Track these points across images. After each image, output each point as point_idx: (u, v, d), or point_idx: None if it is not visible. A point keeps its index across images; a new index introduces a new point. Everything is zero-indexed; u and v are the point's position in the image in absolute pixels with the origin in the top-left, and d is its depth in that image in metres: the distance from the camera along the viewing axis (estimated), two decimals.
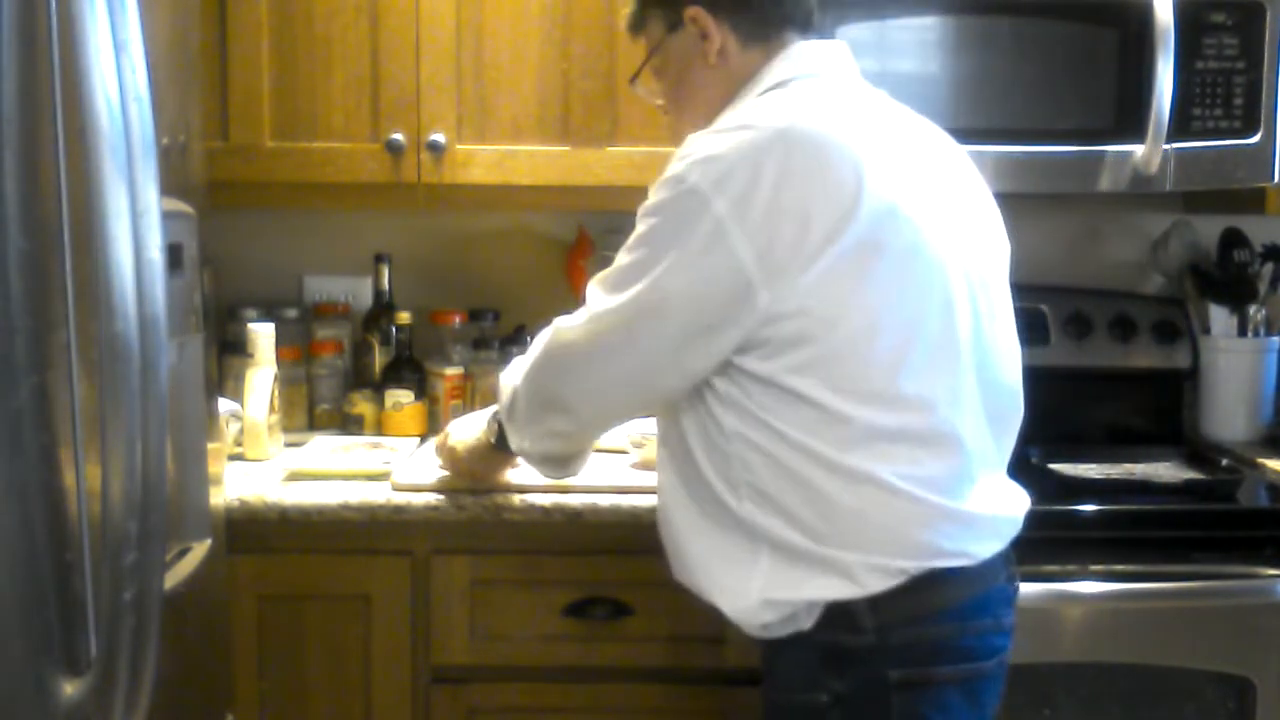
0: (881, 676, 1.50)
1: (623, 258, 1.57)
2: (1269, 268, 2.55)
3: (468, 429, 1.98)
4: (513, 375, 1.77)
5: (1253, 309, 2.55)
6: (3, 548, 1.10)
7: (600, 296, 1.59)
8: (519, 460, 1.91)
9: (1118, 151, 2.22)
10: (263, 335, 2.31)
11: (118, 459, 1.15)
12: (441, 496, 2.01)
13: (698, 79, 1.70)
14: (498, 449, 1.88)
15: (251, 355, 2.30)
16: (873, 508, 1.50)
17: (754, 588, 1.54)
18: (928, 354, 1.52)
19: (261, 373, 2.29)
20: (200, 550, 1.60)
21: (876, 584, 1.49)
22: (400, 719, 2.05)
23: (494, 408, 1.89)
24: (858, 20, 2.09)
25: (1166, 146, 2.20)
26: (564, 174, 2.31)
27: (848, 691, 1.51)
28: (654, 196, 1.55)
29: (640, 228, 1.56)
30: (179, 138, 1.52)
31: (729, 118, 1.58)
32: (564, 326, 1.65)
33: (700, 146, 1.52)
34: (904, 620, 1.50)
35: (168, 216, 1.24)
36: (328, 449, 2.28)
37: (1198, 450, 2.49)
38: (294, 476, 2.13)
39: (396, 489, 2.05)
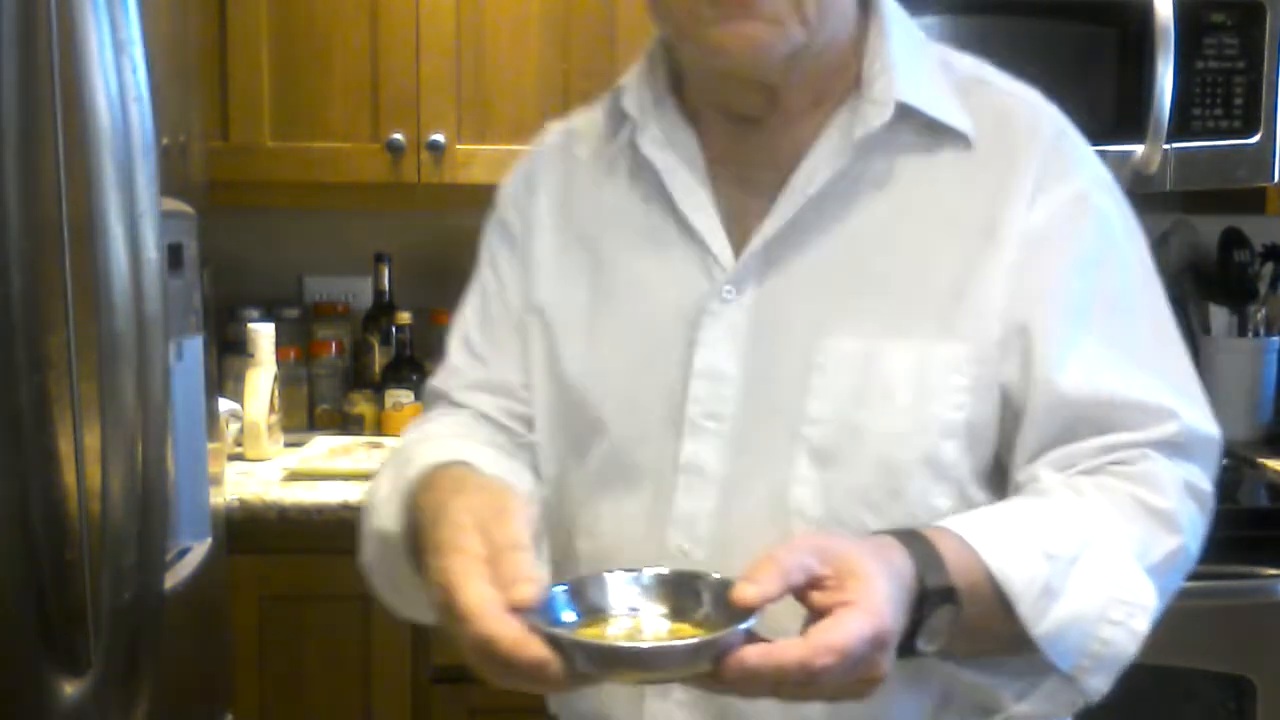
0: None
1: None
2: (1269, 268, 2.55)
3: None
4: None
5: (1253, 309, 2.55)
6: (3, 548, 1.10)
7: None
8: None
9: (1118, 151, 2.22)
10: (263, 335, 2.31)
11: (118, 459, 1.15)
12: None
13: None
14: None
15: (251, 355, 2.30)
16: None
17: None
18: None
19: (261, 373, 2.29)
20: (200, 550, 1.60)
21: None
22: (400, 719, 2.05)
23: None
24: None
25: (1166, 146, 2.20)
26: None
27: None
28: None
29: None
30: (179, 138, 1.52)
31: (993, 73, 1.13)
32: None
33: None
34: None
35: (168, 216, 1.25)
36: (328, 449, 2.28)
37: None
38: (294, 476, 2.13)
39: None
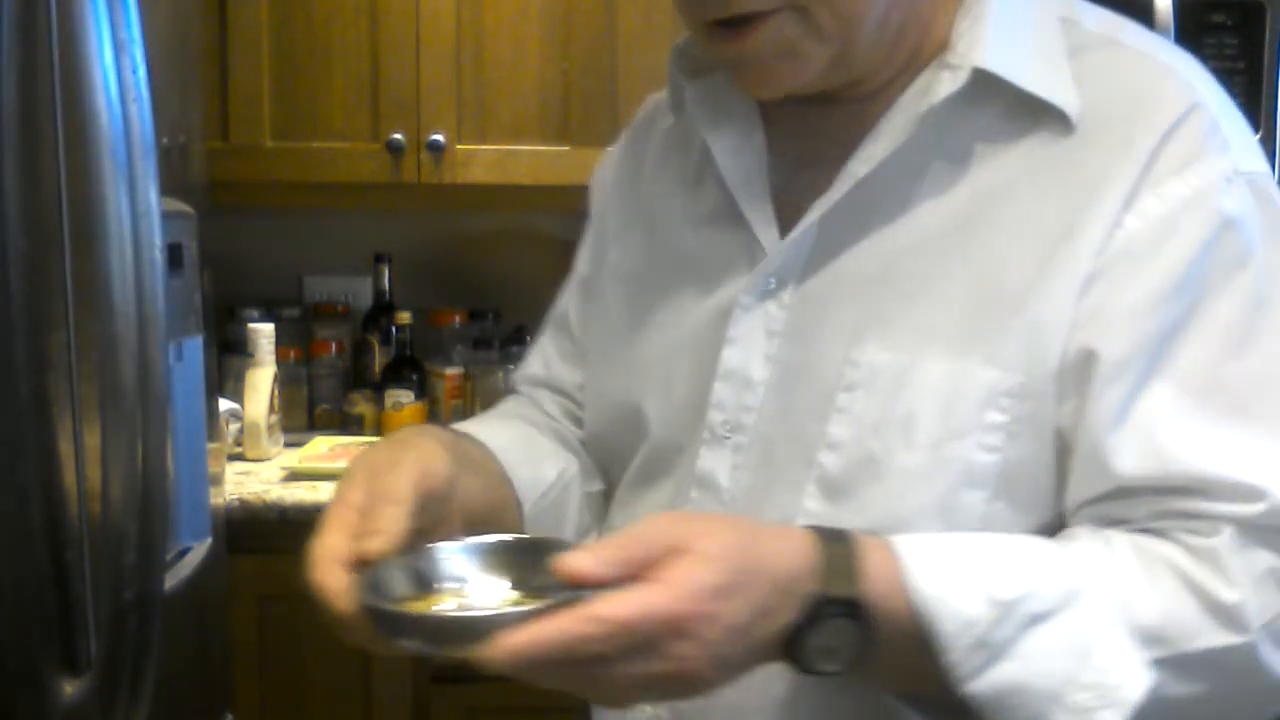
0: None
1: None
2: None
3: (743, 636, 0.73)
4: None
5: None
6: (3, 548, 1.10)
7: None
8: None
9: None
10: (263, 335, 2.31)
11: (118, 459, 1.15)
12: None
13: None
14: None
15: (251, 355, 2.30)
16: None
17: None
18: None
19: (261, 373, 2.29)
20: (200, 550, 1.59)
21: None
22: (400, 719, 2.05)
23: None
24: None
25: None
26: (564, 174, 2.31)
27: None
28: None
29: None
30: (179, 138, 1.52)
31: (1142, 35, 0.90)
32: None
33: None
34: None
35: (168, 216, 1.25)
36: (328, 449, 2.28)
37: None
38: (294, 476, 2.13)
39: None
